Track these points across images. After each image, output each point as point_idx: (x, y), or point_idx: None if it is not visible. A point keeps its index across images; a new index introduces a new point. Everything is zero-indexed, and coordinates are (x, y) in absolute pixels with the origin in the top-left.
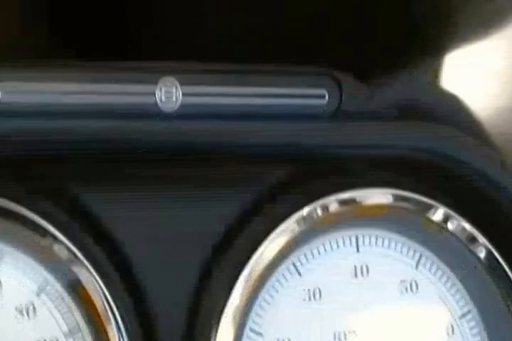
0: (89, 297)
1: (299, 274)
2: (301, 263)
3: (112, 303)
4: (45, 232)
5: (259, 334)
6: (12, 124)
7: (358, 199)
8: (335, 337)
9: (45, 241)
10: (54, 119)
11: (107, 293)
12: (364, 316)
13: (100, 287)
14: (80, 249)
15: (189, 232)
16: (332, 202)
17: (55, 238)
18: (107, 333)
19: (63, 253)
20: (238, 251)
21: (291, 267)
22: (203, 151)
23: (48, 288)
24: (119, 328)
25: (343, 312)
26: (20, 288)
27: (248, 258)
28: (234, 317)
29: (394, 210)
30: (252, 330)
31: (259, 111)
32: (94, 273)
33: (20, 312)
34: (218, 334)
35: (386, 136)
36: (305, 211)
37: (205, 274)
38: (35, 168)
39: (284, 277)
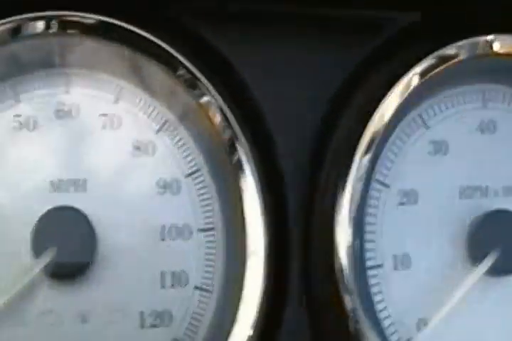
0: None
1: (426, 127)
2: (428, 116)
3: (236, 133)
4: (175, 67)
5: (386, 185)
6: None
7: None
8: (461, 192)
9: (169, 78)
10: None
11: (230, 117)
12: (491, 172)
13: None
14: (208, 78)
15: (313, 75)
16: (458, 50)
17: (178, 74)
18: (228, 173)
19: (184, 87)
20: (363, 96)
21: (418, 119)
22: None
23: (166, 126)
24: (241, 166)
25: (469, 168)
26: (140, 126)
27: (376, 104)
28: (362, 167)
29: None
30: (378, 182)
31: None
32: (218, 97)
33: (138, 148)
34: (347, 185)
35: None
36: (430, 58)
37: (330, 117)
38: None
39: (411, 128)
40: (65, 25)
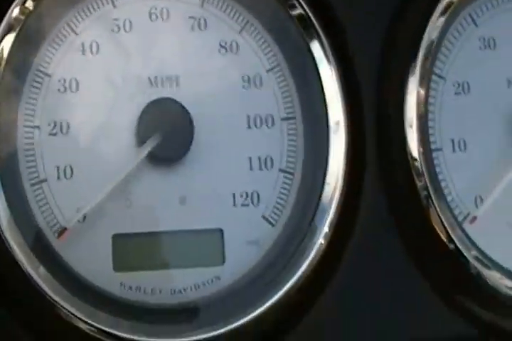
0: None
1: (475, 24)
2: (477, 15)
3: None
4: None
5: (443, 78)
6: None
7: None
8: (509, 83)
9: None
10: None
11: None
12: None
13: None
14: None
15: None
16: None
17: None
18: (305, 74)
19: None
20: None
21: (468, 17)
22: None
23: (248, 26)
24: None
25: None
26: (224, 26)
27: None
28: (426, 60)
29: None
30: (436, 75)
31: None
32: None
33: (224, 47)
34: (410, 79)
35: None
36: None
37: (397, 14)
38: None
39: (462, 26)
40: None
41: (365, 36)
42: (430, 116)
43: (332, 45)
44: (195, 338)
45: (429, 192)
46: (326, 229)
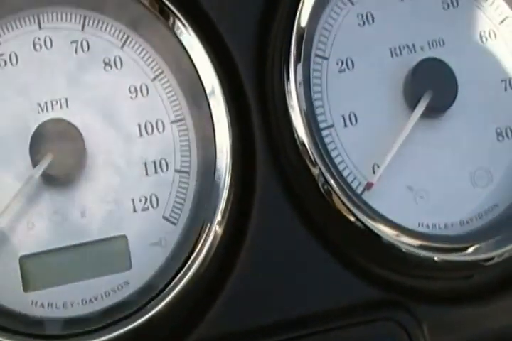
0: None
1: (352, 3)
2: None
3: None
4: None
5: (325, 58)
6: None
7: None
8: (391, 53)
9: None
10: None
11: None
12: (414, 31)
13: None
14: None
15: None
16: None
17: None
18: (188, 76)
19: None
20: None
21: None
22: None
23: (128, 41)
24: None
25: (394, 31)
26: (105, 44)
27: None
28: (300, 42)
29: None
30: (318, 56)
31: None
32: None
33: (108, 64)
34: (290, 61)
35: None
36: None
37: (269, 9)
38: None
39: (338, 6)
40: None
41: (241, 29)
42: (317, 96)
43: (208, 43)
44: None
45: (321, 171)
46: (219, 216)
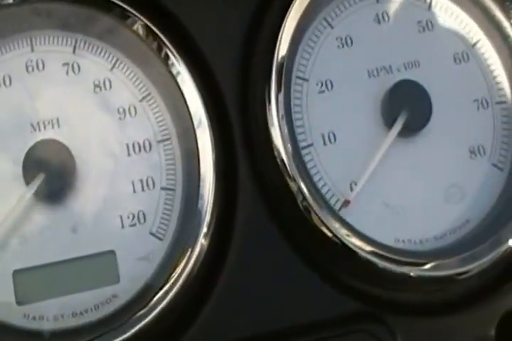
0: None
1: (331, 27)
2: (332, 18)
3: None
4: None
5: (306, 79)
6: None
7: None
8: (369, 74)
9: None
10: None
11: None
12: (391, 53)
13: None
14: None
15: None
16: None
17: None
18: (174, 98)
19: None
20: (274, 12)
21: (323, 21)
22: None
23: (118, 64)
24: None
25: (372, 53)
26: (95, 66)
27: (283, 15)
28: (282, 66)
29: None
30: (299, 78)
31: None
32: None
33: (98, 86)
34: (272, 83)
35: None
36: None
37: (252, 33)
38: None
39: (318, 30)
40: None
41: (223, 53)
42: (297, 115)
43: (191, 64)
44: None
45: (299, 188)
46: (204, 229)
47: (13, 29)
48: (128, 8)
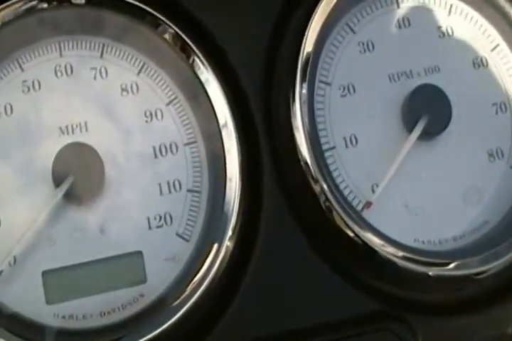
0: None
1: (353, 32)
2: (354, 23)
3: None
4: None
5: (328, 83)
6: None
7: None
8: (390, 78)
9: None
10: None
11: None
12: (411, 58)
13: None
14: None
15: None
16: None
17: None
18: (200, 101)
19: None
20: (298, 18)
21: (346, 26)
22: None
23: (144, 68)
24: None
25: (393, 58)
26: (122, 71)
27: (307, 20)
28: (306, 71)
29: None
30: (321, 81)
31: None
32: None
33: (125, 89)
34: (296, 87)
35: None
36: None
37: (276, 39)
38: None
39: (341, 35)
40: None
41: (248, 58)
42: (320, 119)
43: (217, 69)
44: None
45: (322, 189)
46: (230, 231)
47: (42, 35)
48: (160, 16)
